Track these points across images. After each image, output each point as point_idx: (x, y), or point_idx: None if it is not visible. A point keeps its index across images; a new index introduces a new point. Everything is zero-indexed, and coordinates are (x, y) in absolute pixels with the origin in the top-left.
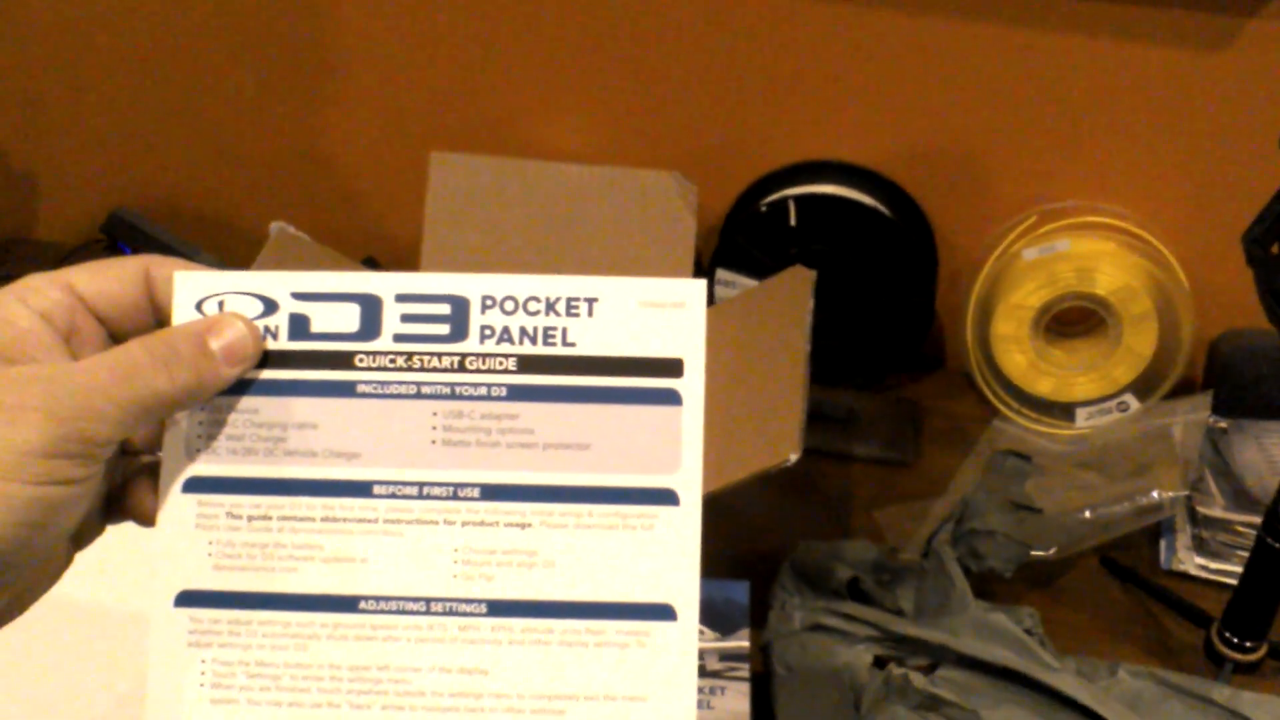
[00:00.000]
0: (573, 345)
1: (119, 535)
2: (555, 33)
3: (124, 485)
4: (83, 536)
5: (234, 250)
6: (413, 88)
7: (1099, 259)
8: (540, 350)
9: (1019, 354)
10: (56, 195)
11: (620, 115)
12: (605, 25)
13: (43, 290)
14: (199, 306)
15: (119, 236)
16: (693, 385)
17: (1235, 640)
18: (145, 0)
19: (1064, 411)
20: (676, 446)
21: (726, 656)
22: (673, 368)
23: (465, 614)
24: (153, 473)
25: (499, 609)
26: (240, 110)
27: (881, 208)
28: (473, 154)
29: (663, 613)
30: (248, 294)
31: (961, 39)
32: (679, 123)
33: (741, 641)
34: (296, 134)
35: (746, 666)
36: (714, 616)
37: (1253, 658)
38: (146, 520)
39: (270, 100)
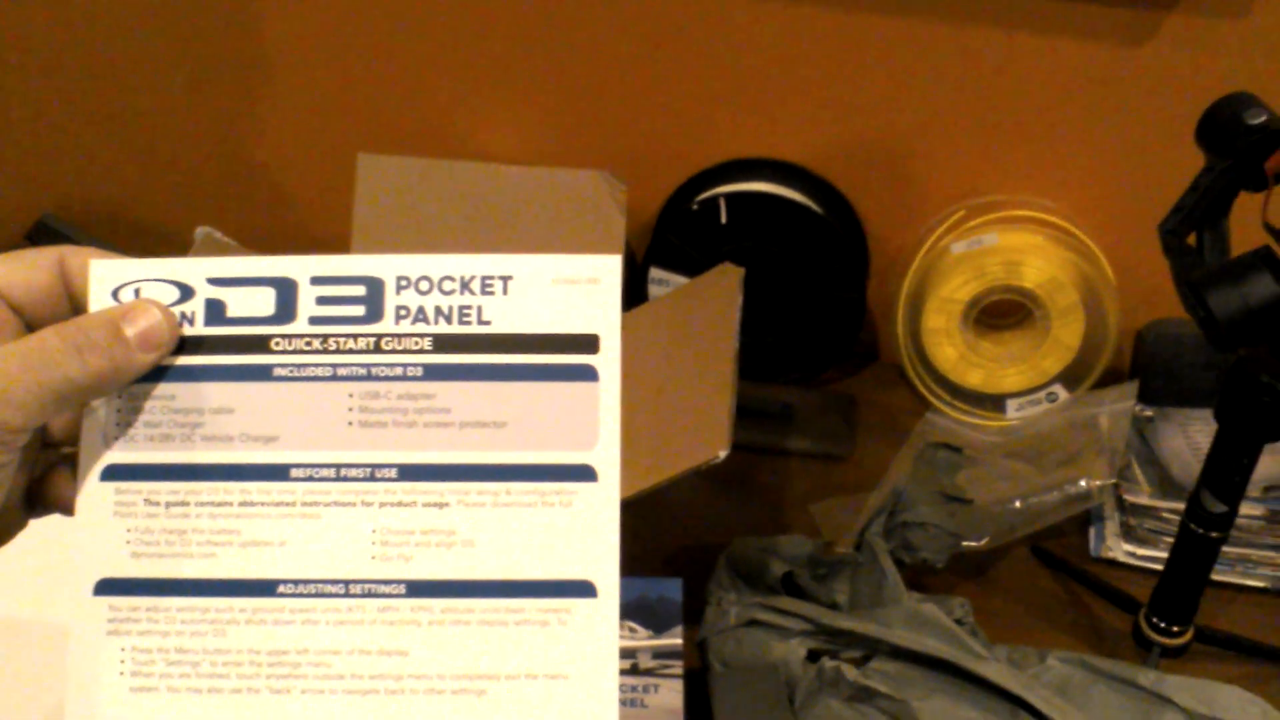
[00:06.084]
0: (488, 323)
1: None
2: (484, 32)
3: (44, 476)
4: (3, 530)
5: (161, 257)
6: (341, 89)
7: (1026, 252)
8: (456, 329)
9: (949, 347)
10: None
11: (550, 115)
12: (534, 25)
13: None
14: (115, 294)
15: (45, 244)
16: (609, 361)
17: (1162, 625)
18: (70, 2)
19: (994, 403)
20: (594, 422)
21: (660, 654)
22: (589, 344)
23: (384, 595)
24: (73, 463)
25: (418, 589)
26: (168, 114)
27: (812, 204)
28: (401, 155)
29: (583, 589)
30: (164, 281)
31: (888, 36)
32: (610, 122)
33: (675, 639)
34: (224, 138)
35: (680, 664)
36: (647, 614)
37: (1179, 641)
38: (68, 510)
39: (198, 103)
